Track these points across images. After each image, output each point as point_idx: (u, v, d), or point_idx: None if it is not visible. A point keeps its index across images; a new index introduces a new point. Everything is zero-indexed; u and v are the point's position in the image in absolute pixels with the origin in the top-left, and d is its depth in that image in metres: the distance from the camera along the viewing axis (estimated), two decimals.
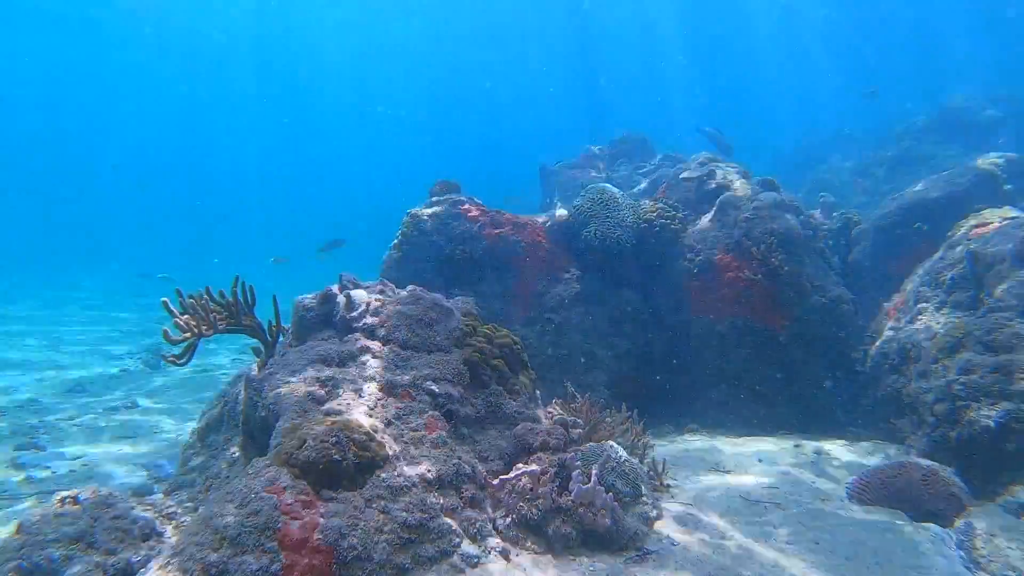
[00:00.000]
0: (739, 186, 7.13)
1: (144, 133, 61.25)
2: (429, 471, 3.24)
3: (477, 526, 3.21)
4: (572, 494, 3.36)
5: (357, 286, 4.49)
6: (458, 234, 6.71)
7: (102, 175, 60.91)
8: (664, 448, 5.38)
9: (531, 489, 3.39)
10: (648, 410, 5.52)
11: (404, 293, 4.56)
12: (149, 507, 3.58)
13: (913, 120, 14.42)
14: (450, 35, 44.74)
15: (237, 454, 4.30)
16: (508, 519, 3.35)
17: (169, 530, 3.38)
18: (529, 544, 3.27)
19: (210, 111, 58.80)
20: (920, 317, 5.50)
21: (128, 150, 62.74)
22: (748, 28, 38.77)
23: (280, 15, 44.36)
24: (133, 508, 3.38)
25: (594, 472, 3.49)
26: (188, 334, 4.01)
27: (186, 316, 4.00)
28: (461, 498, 3.29)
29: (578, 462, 3.63)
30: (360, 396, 3.59)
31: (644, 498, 3.81)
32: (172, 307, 3.98)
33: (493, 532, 3.27)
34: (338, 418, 3.25)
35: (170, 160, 63.89)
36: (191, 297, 4.03)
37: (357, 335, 4.06)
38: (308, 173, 67.28)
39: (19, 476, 5.23)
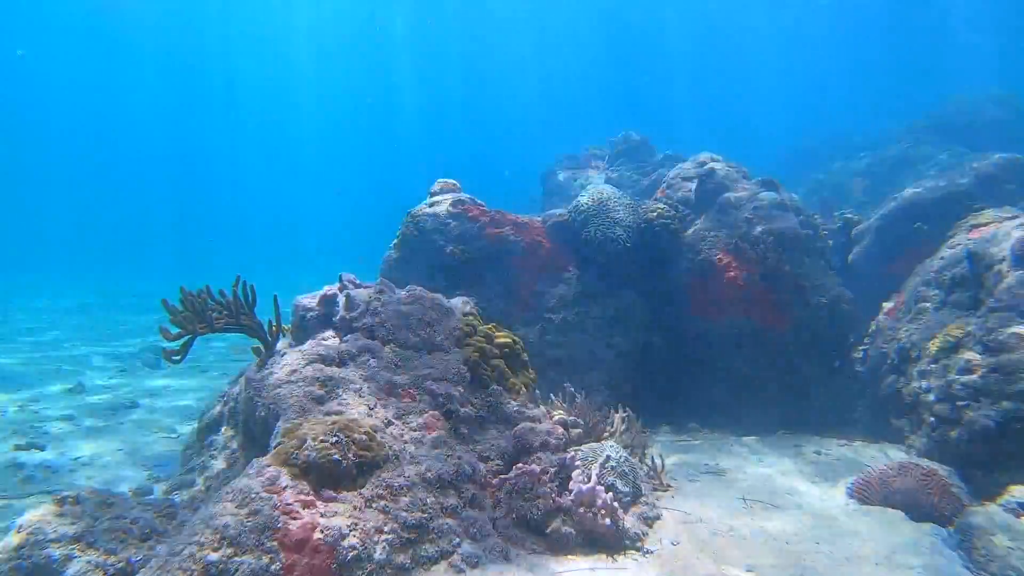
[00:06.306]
0: (741, 185, 7.13)
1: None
2: (429, 471, 3.24)
3: (477, 526, 3.21)
4: (572, 494, 3.36)
5: (357, 286, 4.49)
6: (458, 234, 6.71)
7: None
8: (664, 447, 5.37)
9: (531, 489, 3.39)
10: (648, 410, 5.52)
11: (404, 293, 4.56)
12: (149, 507, 3.57)
13: (914, 120, 14.42)
14: (450, 34, 44.70)
15: (237, 454, 4.30)
16: (508, 519, 3.35)
17: (169, 530, 3.38)
18: (529, 544, 3.27)
19: (191, 106, 57.98)
20: (920, 317, 5.49)
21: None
22: (747, 27, 38.77)
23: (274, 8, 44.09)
24: (133, 508, 3.38)
25: (594, 472, 3.49)
26: (185, 331, 4.01)
27: (183, 314, 4.00)
28: (461, 498, 3.29)
29: (578, 462, 3.63)
30: (360, 396, 3.59)
31: (644, 498, 3.81)
32: (171, 304, 3.98)
33: (493, 532, 3.27)
34: (338, 418, 3.25)
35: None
36: (190, 294, 4.04)
37: (357, 335, 4.07)
38: (303, 173, 67.06)
39: (19, 476, 5.22)
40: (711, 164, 7.59)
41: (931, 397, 4.67)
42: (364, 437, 3.12)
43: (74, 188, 63.07)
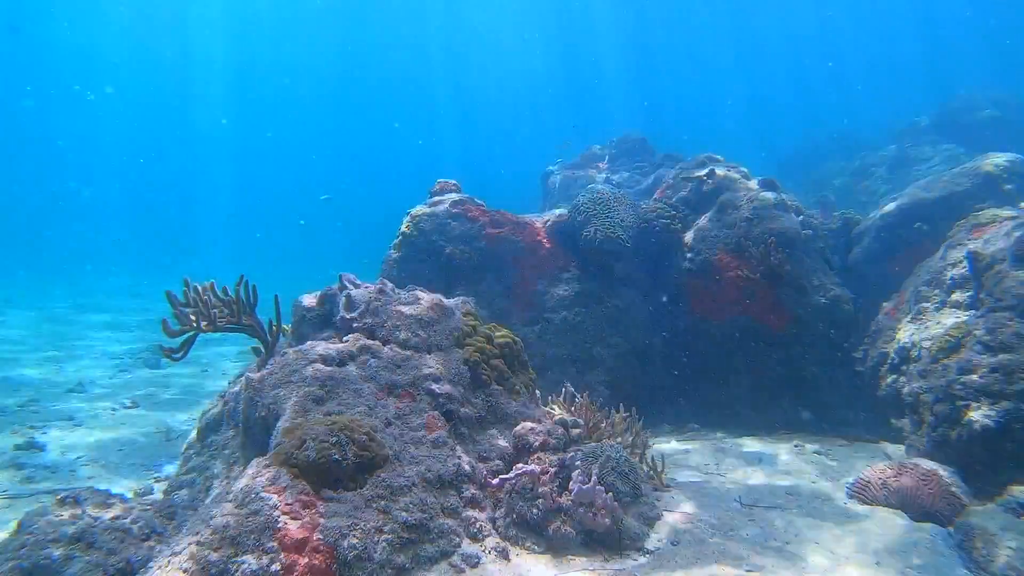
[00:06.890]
0: (741, 185, 7.13)
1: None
2: (429, 471, 3.24)
3: (477, 526, 3.21)
4: (572, 494, 3.36)
5: (357, 286, 4.49)
6: (458, 234, 6.71)
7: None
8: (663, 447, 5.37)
9: (531, 489, 3.39)
10: (648, 410, 5.52)
11: (404, 293, 4.56)
12: (149, 507, 3.58)
13: (913, 120, 14.43)
14: (452, 34, 44.66)
15: (237, 454, 4.30)
16: (508, 519, 3.35)
17: (169, 530, 3.38)
18: (529, 544, 3.27)
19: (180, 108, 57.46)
20: (920, 317, 5.49)
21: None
22: (747, 27, 38.77)
23: (268, 11, 43.91)
24: (133, 508, 3.38)
25: (594, 472, 3.49)
26: (187, 328, 4.01)
27: (187, 309, 3.99)
28: (461, 498, 3.29)
29: (578, 462, 3.63)
30: (360, 396, 3.59)
31: (644, 498, 3.80)
32: (175, 298, 3.97)
33: (493, 532, 3.28)
34: (338, 418, 3.25)
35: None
36: (196, 289, 4.02)
37: (357, 335, 4.06)
38: (302, 173, 66.59)
39: (19, 476, 5.22)
40: (711, 164, 7.59)
41: (931, 397, 4.66)
42: (364, 437, 3.12)
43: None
